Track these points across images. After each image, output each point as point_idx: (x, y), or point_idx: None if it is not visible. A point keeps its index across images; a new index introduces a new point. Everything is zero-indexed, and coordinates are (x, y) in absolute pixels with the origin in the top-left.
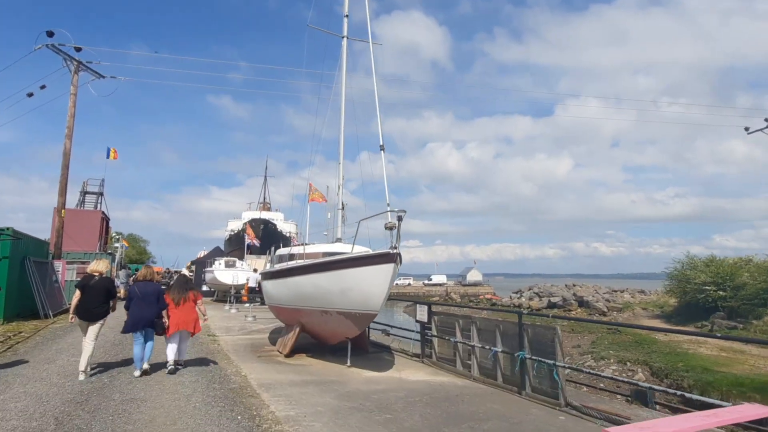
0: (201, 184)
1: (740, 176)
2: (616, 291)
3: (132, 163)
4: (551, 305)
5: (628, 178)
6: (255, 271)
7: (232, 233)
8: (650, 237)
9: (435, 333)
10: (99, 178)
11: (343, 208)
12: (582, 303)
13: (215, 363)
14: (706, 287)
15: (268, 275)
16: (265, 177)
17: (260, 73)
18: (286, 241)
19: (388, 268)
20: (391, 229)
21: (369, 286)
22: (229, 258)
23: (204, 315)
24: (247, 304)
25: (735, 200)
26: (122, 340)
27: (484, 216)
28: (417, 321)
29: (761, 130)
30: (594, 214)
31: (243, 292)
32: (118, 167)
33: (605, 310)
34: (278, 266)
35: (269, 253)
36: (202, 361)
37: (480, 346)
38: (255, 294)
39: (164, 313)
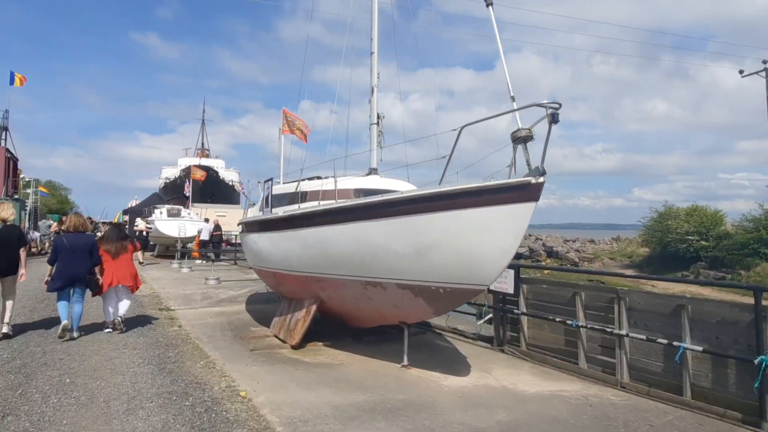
0: (129, 129)
1: (659, 134)
2: (568, 241)
3: (49, 105)
4: (518, 256)
5: (562, 134)
6: (206, 221)
7: (168, 181)
8: (578, 190)
9: (525, 310)
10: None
11: (379, 122)
12: (551, 253)
13: (185, 366)
14: (689, 237)
15: (258, 225)
16: (203, 121)
17: (192, 10)
18: (229, 190)
19: (523, 211)
20: (524, 141)
21: (481, 242)
22: (172, 206)
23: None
24: (198, 261)
25: (654, 156)
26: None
27: (427, 168)
28: (491, 291)
29: (757, 72)
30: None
31: (193, 246)
32: (33, 109)
33: (577, 260)
34: (281, 211)
35: (247, 200)
36: (164, 366)
37: (643, 337)
38: (208, 249)
39: (98, 269)
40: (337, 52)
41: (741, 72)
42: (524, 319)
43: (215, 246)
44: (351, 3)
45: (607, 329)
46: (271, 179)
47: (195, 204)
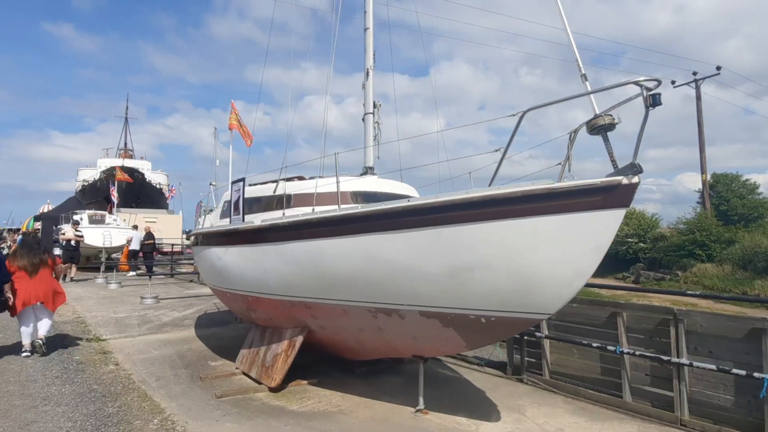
0: (39, 127)
1: (579, 141)
2: None
3: None
4: None
5: (493, 140)
6: (135, 228)
7: (86, 184)
8: None
9: (548, 332)
10: None
11: (375, 112)
12: None
13: (135, 429)
14: (629, 239)
15: (223, 238)
16: (126, 119)
17: (112, 0)
18: (156, 194)
19: (609, 221)
20: (606, 130)
21: (548, 260)
22: (95, 212)
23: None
24: (132, 274)
25: (575, 162)
26: None
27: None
28: None
29: (688, 83)
30: (462, 171)
31: (121, 258)
32: None
33: None
34: (257, 219)
35: (200, 206)
36: (105, 431)
37: (713, 367)
38: (139, 260)
39: (6, 287)
40: (270, 53)
41: (673, 82)
42: (546, 343)
43: (147, 257)
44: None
45: (662, 357)
46: (242, 179)
47: (120, 209)
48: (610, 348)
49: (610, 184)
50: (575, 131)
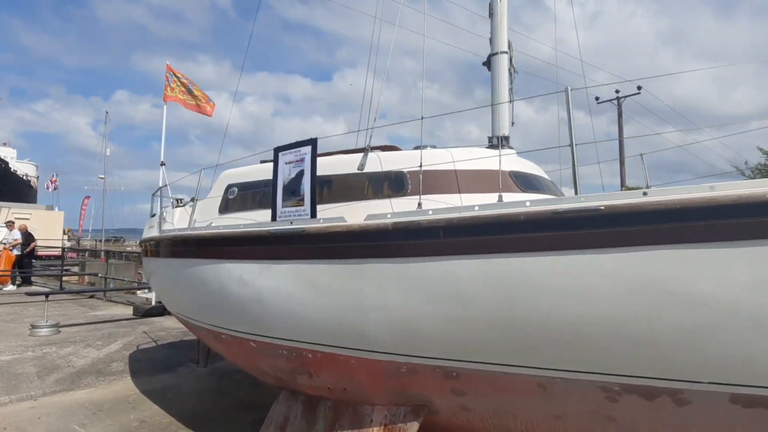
0: None
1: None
2: None
3: None
4: None
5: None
6: (10, 225)
7: None
8: None
9: None
10: None
11: (509, 53)
12: None
13: None
14: None
15: (245, 246)
16: None
17: None
18: (24, 186)
19: None
20: None
21: None
22: None
23: None
24: (9, 288)
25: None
26: None
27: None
28: None
29: (610, 100)
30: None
31: (1, 266)
32: None
33: None
34: (330, 213)
35: (154, 197)
36: None
37: None
38: (16, 270)
39: None
40: (162, 42)
41: (597, 99)
42: None
43: (24, 264)
44: None
45: None
46: (313, 141)
47: None
48: None
49: None
50: None
